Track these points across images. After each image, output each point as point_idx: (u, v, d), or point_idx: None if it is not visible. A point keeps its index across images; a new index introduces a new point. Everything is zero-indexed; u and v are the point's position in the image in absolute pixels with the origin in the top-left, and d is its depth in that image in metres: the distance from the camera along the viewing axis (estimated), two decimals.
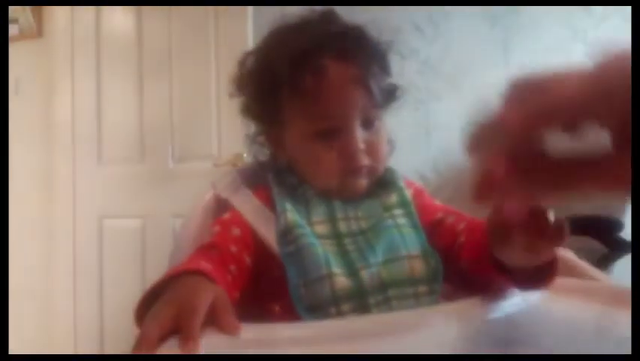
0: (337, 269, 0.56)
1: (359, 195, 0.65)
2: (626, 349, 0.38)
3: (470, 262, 0.57)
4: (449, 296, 0.63)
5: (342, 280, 0.56)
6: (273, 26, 0.68)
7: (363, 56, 0.63)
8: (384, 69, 0.67)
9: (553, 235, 0.42)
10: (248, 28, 1.84)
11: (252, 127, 0.73)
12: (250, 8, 1.85)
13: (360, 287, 0.56)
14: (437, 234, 0.64)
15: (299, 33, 0.65)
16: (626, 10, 1.81)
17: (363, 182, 0.64)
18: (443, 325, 0.47)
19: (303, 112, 0.62)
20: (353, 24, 0.66)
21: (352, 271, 0.57)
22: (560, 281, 0.56)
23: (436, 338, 0.44)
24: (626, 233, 1.66)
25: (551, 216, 0.42)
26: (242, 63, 0.70)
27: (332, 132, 0.62)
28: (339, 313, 0.55)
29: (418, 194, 0.69)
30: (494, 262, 0.50)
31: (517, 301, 0.51)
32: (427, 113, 1.91)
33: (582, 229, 1.64)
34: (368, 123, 0.64)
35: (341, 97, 0.61)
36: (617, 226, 1.68)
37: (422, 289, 0.59)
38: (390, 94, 0.69)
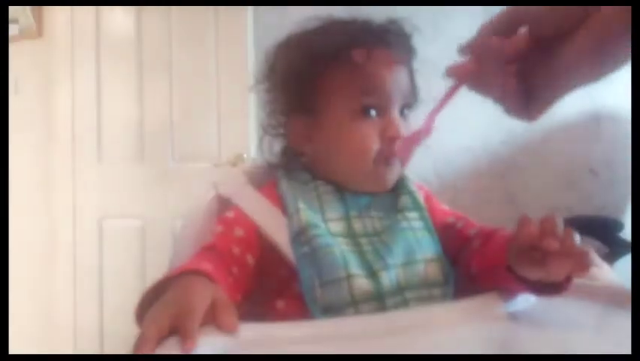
0: (356, 270, 0.56)
1: (385, 189, 0.64)
2: (626, 349, 0.38)
3: (483, 270, 0.57)
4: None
5: (361, 282, 0.55)
6: (314, 20, 0.67)
7: (403, 46, 0.65)
8: (414, 77, 0.68)
9: (577, 262, 0.44)
10: (248, 28, 1.84)
11: (271, 118, 0.70)
12: (250, 8, 1.86)
13: (379, 289, 0.55)
14: (448, 237, 0.64)
15: (347, 23, 0.66)
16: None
17: (392, 175, 0.64)
18: (444, 325, 0.47)
19: (351, 85, 0.62)
20: (393, 18, 0.67)
21: (371, 273, 0.56)
22: None
23: (436, 338, 0.44)
24: (626, 233, 1.66)
25: (577, 238, 0.45)
26: (283, 44, 0.68)
27: (375, 111, 0.62)
28: (357, 315, 0.54)
29: (428, 197, 0.70)
30: (511, 272, 0.50)
31: (517, 301, 0.51)
32: (427, 113, 1.90)
33: (582, 229, 1.64)
34: (403, 113, 0.64)
35: (388, 74, 0.62)
36: (617, 226, 1.68)
37: (436, 292, 0.59)
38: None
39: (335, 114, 0.63)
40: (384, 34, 0.64)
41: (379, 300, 0.55)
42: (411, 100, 0.66)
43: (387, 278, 0.56)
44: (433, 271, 0.59)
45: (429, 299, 0.58)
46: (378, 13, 0.68)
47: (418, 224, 0.63)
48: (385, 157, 0.62)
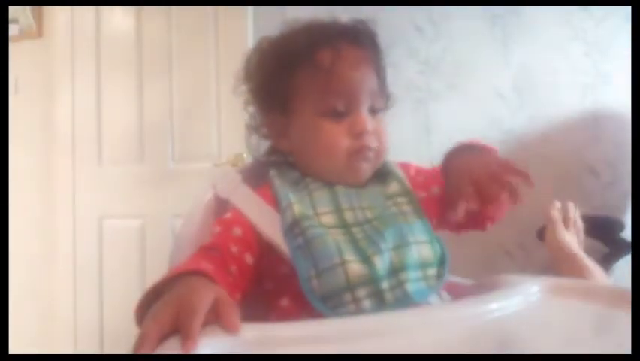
0: (350, 256, 0.57)
1: (361, 181, 0.66)
2: (626, 349, 0.38)
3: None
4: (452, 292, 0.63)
5: (356, 267, 0.56)
6: (288, 23, 0.70)
7: (371, 45, 0.68)
8: (384, 74, 0.70)
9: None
10: (248, 28, 1.84)
11: (253, 118, 0.73)
12: (250, 8, 1.86)
13: (374, 273, 0.57)
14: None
15: (314, 24, 0.68)
16: (626, 10, 1.81)
17: (366, 167, 0.66)
18: (444, 325, 0.47)
19: (317, 88, 0.64)
20: (360, 18, 0.69)
21: (364, 258, 0.57)
22: (559, 281, 0.56)
23: (436, 338, 0.44)
24: (627, 233, 1.66)
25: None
26: (256, 48, 0.72)
27: (342, 111, 0.64)
28: (355, 300, 0.55)
29: (418, 170, 0.73)
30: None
31: (517, 301, 0.51)
32: (427, 113, 1.91)
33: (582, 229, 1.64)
34: (373, 111, 0.67)
35: (354, 75, 0.64)
36: (618, 226, 1.67)
37: (431, 272, 0.60)
38: (387, 100, 0.72)
39: (305, 114, 0.66)
40: (350, 33, 0.66)
41: (375, 283, 0.56)
42: (380, 98, 0.68)
43: (380, 262, 0.57)
44: (426, 252, 0.61)
45: (424, 280, 0.59)
46: (345, 14, 0.70)
47: (407, 208, 0.64)
48: (356, 152, 0.64)
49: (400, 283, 0.57)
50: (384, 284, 0.57)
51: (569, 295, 0.54)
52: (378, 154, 0.66)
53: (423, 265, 0.60)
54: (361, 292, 0.56)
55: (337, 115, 0.64)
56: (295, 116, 0.67)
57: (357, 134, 0.63)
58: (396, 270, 0.58)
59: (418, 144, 1.92)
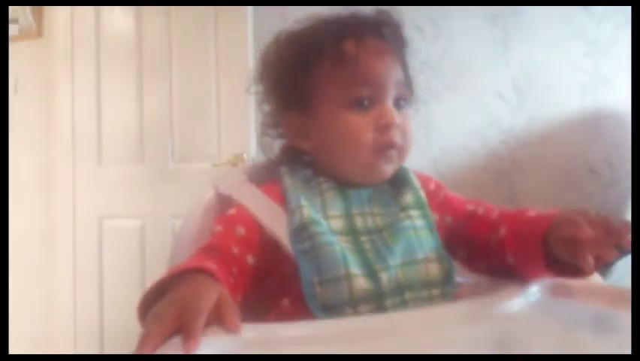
0: (356, 270, 0.56)
1: (383, 180, 0.64)
2: (626, 349, 0.38)
3: (517, 255, 0.57)
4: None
5: (361, 282, 0.55)
6: (306, 17, 0.67)
7: (394, 37, 0.65)
8: (408, 67, 0.68)
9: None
10: (248, 28, 1.84)
11: (269, 117, 0.71)
12: (250, 8, 1.86)
13: (379, 289, 0.55)
14: (472, 225, 0.65)
15: (335, 17, 0.66)
16: (626, 10, 1.81)
17: (389, 168, 0.64)
18: (444, 325, 0.47)
19: (341, 78, 0.62)
20: (383, 8, 0.67)
21: (371, 273, 0.56)
22: (559, 281, 0.56)
23: (436, 338, 0.44)
24: None
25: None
26: (273, 42, 0.69)
27: (368, 102, 0.62)
28: (356, 315, 0.54)
29: (439, 187, 0.70)
30: (545, 255, 0.53)
31: (517, 301, 0.51)
32: (427, 113, 1.91)
33: None
34: (399, 105, 0.64)
35: (379, 64, 0.62)
36: None
37: (436, 292, 0.59)
38: (412, 94, 0.69)
39: (329, 107, 0.63)
40: (373, 24, 0.64)
41: (378, 300, 0.55)
42: (405, 91, 0.66)
43: (386, 278, 0.56)
44: (434, 271, 0.59)
45: (428, 300, 0.58)
46: (368, 7, 0.68)
47: (419, 223, 0.62)
48: (381, 146, 0.62)
49: (405, 302, 0.56)
50: (388, 302, 0.56)
51: (569, 295, 0.54)
52: (402, 152, 0.64)
53: (429, 285, 0.58)
54: (364, 308, 0.55)
55: (362, 107, 0.61)
56: (316, 111, 0.64)
57: (384, 127, 0.61)
58: (401, 288, 0.57)
59: (417, 144, 1.91)
